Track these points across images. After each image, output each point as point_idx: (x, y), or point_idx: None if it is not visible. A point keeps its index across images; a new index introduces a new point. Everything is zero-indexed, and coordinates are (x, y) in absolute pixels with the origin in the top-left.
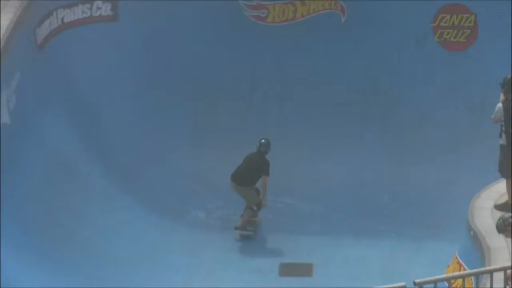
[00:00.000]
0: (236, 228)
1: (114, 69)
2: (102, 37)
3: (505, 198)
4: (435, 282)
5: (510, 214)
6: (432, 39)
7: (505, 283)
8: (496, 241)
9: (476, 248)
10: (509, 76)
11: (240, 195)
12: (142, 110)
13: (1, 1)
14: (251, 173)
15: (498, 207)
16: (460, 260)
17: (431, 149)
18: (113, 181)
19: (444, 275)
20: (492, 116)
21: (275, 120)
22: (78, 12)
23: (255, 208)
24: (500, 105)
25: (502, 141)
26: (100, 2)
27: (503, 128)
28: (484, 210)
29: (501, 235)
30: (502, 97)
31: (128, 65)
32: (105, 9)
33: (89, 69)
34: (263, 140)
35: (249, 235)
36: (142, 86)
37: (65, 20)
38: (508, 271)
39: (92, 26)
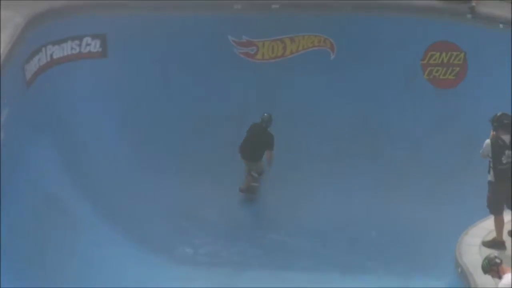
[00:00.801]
0: (241, 190)
1: (102, 105)
2: (91, 73)
3: (493, 235)
4: None
5: (495, 255)
6: (422, 76)
7: None
8: (484, 278)
9: (464, 285)
10: (498, 114)
11: (247, 166)
12: (129, 146)
13: None
14: (256, 148)
15: (486, 244)
16: None
17: (420, 185)
18: (101, 217)
19: None
20: (481, 151)
21: None
22: (67, 49)
23: (255, 174)
24: (488, 141)
25: (491, 177)
26: (89, 39)
27: (491, 164)
28: (472, 247)
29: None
30: (492, 133)
31: (116, 101)
32: (94, 46)
33: (78, 106)
34: (265, 114)
35: (254, 198)
36: (130, 122)
37: (54, 56)
38: None
39: (81, 63)
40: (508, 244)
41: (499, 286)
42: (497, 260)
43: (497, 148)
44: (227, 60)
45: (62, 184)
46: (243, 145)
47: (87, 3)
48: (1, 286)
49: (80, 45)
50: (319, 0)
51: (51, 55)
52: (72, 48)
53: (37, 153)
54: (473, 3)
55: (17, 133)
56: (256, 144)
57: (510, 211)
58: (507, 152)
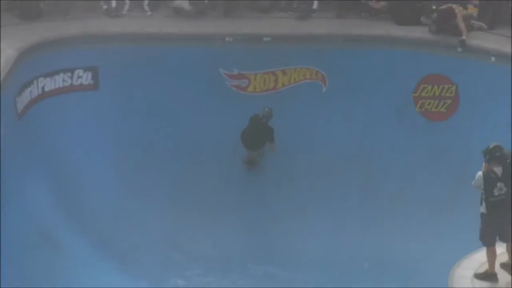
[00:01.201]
0: (244, 162)
1: (94, 136)
2: (83, 105)
3: (485, 267)
4: None
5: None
6: (413, 109)
7: None
8: None
9: None
10: (491, 146)
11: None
12: (121, 177)
13: None
14: (256, 139)
15: (478, 276)
16: None
17: (412, 216)
18: (92, 247)
19: None
20: (473, 183)
21: (256, 185)
22: (59, 81)
23: (258, 157)
24: (480, 173)
25: (483, 209)
26: (81, 71)
27: (484, 196)
28: (464, 279)
29: None
30: (484, 165)
31: (108, 132)
32: (86, 78)
33: (69, 137)
34: (266, 109)
35: (255, 168)
36: (122, 153)
37: (46, 89)
38: None
39: (73, 95)
40: (500, 276)
41: None
42: None
43: (489, 180)
44: (219, 93)
45: (54, 215)
46: (243, 134)
47: (79, 36)
48: None
49: (71, 78)
50: (310, 33)
51: (43, 88)
52: (63, 81)
53: (29, 184)
54: (464, 37)
55: (9, 165)
56: (256, 136)
57: (502, 243)
58: (499, 184)
